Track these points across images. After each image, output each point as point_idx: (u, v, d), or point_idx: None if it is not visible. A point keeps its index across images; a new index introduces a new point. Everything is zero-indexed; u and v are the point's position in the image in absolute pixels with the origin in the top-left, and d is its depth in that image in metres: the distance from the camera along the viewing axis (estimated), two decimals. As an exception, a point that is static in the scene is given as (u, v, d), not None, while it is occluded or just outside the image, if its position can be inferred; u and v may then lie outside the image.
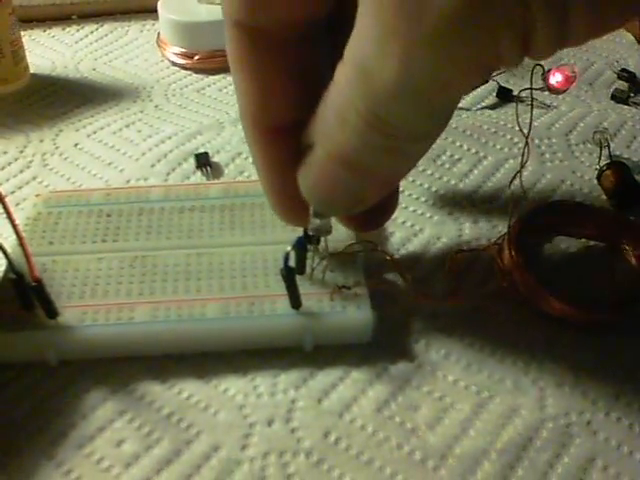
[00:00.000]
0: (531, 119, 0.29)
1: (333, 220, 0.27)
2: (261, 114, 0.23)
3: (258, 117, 0.23)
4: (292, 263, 0.27)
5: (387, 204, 0.28)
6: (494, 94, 0.43)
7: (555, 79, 0.33)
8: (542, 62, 0.31)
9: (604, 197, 0.35)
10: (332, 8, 0.22)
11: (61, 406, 0.26)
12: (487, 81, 0.37)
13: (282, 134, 0.24)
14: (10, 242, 0.29)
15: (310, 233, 0.27)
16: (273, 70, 0.22)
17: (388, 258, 0.30)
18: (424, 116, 0.20)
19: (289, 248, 0.26)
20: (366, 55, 0.18)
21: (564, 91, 0.33)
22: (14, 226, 0.25)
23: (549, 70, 0.33)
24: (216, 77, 0.45)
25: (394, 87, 0.18)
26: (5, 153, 0.39)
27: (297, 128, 0.23)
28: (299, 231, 0.28)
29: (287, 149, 0.24)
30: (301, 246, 0.27)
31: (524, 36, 0.17)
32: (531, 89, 0.29)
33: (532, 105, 0.30)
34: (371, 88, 0.19)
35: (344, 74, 0.20)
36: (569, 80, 0.32)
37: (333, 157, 0.21)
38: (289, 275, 0.26)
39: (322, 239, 0.28)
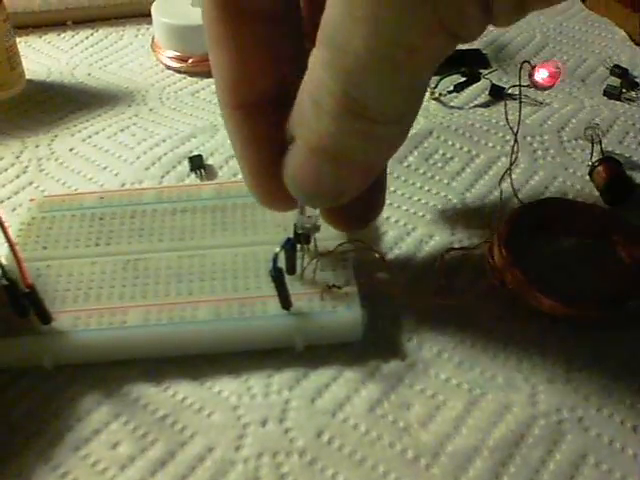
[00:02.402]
0: (520, 116, 0.29)
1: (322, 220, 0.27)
2: (236, 88, 0.24)
3: (233, 91, 0.24)
4: (282, 264, 0.27)
5: (373, 203, 0.28)
6: (487, 92, 0.43)
7: (540, 75, 0.33)
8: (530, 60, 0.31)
9: (596, 193, 0.35)
10: None
11: (57, 409, 0.26)
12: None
13: (256, 110, 0.24)
14: (5, 248, 0.29)
15: (299, 231, 0.27)
16: (248, 44, 0.23)
17: (377, 256, 0.30)
18: (395, 91, 0.20)
19: (278, 249, 0.26)
20: (335, 27, 0.19)
21: (550, 87, 0.33)
22: (5, 233, 0.25)
23: (534, 67, 0.33)
24: (210, 80, 0.45)
25: (364, 55, 0.19)
26: (1, 159, 0.39)
27: (271, 106, 0.23)
28: (290, 231, 0.28)
29: (261, 125, 0.24)
30: (290, 246, 0.27)
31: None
32: (520, 86, 0.30)
33: (520, 101, 0.30)
34: (342, 63, 0.19)
35: (316, 57, 0.20)
36: (554, 76, 0.32)
37: (311, 147, 0.22)
38: (278, 276, 0.26)
39: (312, 239, 0.28)
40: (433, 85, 0.43)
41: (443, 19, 0.18)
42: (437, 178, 0.37)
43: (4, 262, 0.26)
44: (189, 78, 0.46)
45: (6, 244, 0.26)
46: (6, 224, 0.25)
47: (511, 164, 0.29)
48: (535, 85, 0.33)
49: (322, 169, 0.22)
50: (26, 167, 0.38)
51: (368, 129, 0.21)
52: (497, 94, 0.43)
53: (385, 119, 0.21)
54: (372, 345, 0.28)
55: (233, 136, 0.25)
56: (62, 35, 0.51)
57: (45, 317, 0.27)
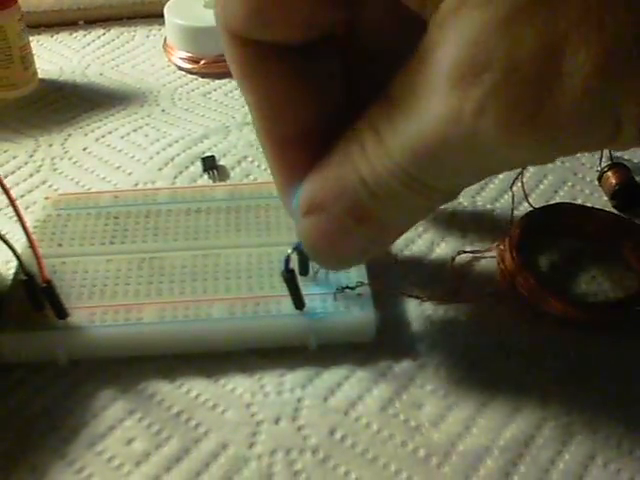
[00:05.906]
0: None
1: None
2: (271, 125, 0.22)
3: (269, 128, 0.22)
4: (294, 265, 0.27)
5: None
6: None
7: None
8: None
9: (605, 198, 0.36)
10: (337, 19, 0.20)
11: (72, 405, 0.27)
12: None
13: (295, 143, 0.23)
14: (21, 244, 0.29)
15: None
16: (278, 82, 0.21)
17: (390, 258, 0.31)
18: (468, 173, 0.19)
19: (289, 251, 0.26)
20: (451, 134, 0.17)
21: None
22: (25, 228, 0.25)
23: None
24: (222, 81, 0.46)
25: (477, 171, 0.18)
26: (15, 157, 0.39)
27: (309, 135, 0.22)
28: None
29: (299, 157, 0.22)
30: (303, 248, 0.27)
31: None
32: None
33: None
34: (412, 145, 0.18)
35: (367, 138, 0.19)
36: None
37: (352, 219, 0.20)
38: (290, 277, 0.27)
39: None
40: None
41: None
42: (447, 181, 0.37)
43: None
44: (201, 79, 0.46)
45: (23, 240, 0.26)
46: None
47: (523, 168, 0.30)
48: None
49: (355, 234, 0.21)
50: (40, 166, 0.39)
51: (425, 204, 0.20)
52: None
53: (451, 197, 0.20)
54: (384, 345, 0.28)
55: (273, 169, 0.23)
56: (74, 35, 0.52)
57: (61, 312, 0.27)
